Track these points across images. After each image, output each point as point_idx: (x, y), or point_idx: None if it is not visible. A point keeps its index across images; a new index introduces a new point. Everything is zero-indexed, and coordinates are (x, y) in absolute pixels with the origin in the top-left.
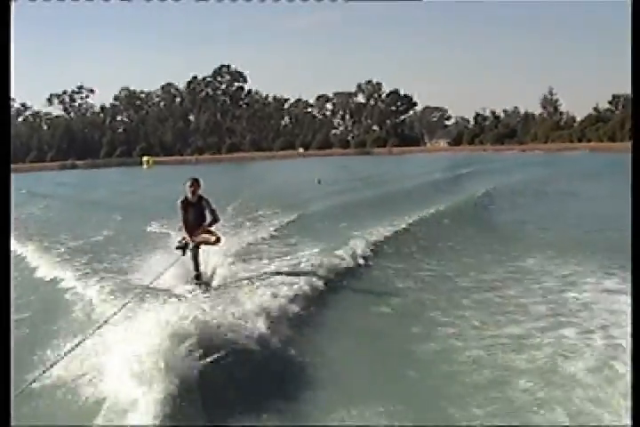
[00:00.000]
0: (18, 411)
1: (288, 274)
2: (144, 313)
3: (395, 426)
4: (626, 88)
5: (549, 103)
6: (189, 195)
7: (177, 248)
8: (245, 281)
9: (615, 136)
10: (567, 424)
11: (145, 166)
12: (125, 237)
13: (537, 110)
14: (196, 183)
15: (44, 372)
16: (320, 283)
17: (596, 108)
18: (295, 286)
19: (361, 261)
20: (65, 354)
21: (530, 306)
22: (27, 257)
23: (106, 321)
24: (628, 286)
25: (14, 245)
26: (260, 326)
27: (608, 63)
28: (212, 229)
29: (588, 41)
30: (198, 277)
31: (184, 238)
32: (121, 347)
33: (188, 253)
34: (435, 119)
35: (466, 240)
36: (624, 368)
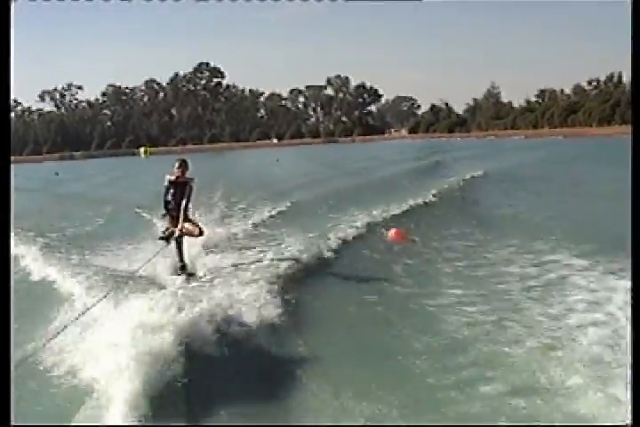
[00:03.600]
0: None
1: (272, 263)
2: (127, 303)
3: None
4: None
5: (492, 96)
6: (176, 175)
7: (160, 238)
8: (230, 271)
9: (537, 124)
10: (567, 424)
11: (142, 156)
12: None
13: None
14: (184, 164)
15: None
16: (304, 271)
17: (527, 101)
18: (280, 275)
19: (343, 250)
20: (45, 343)
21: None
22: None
23: (88, 309)
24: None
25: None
26: (246, 316)
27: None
28: (195, 219)
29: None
30: (183, 267)
31: (167, 229)
32: (103, 337)
33: (172, 243)
34: (405, 108)
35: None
36: None
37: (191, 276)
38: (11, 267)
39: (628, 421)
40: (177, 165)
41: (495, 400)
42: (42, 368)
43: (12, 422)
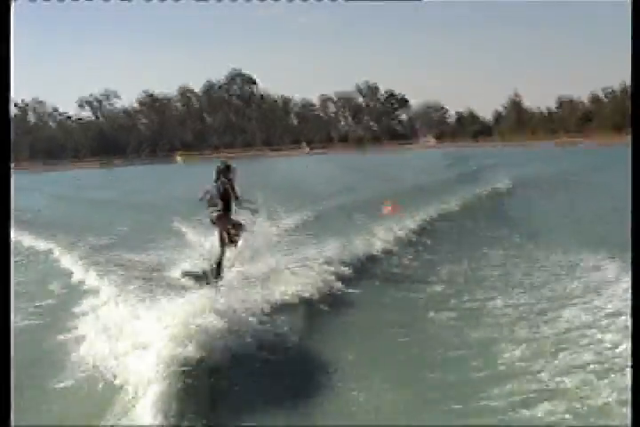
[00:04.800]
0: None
1: (306, 268)
2: (159, 306)
3: None
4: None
5: (514, 104)
6: (222, 179)
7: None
8: (264, 276)
9: (556, 132)
10: (567, 424)
11: (179, 162)
12: None
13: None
14: (229, 168)
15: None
16: (338, 277)
17: (547, 109)
18: (313, 280)
19: (377, 256)
20: None
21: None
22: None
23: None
24: None
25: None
26: (278, 321)
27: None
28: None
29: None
30: (219, 265)
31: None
32: (138, 339)
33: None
34: (435, 116)
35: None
36: None
37: (217, 277)
38: (10, 268)
39: (629, 421)
40: (222, 168)
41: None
42: (68, 369)
43: (12, 423)
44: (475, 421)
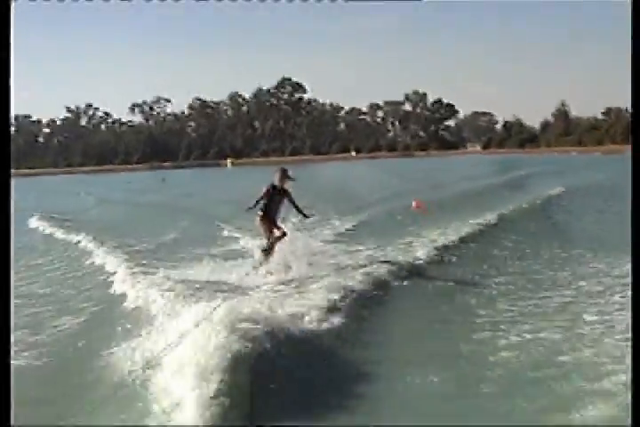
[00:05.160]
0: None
1: (353, 272)
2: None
3: None
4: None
5: (561, 113)
6: (277, 183)
7: (264, 251)
8: (311, 279)
9: (603, 141)
10: (568, 424)
11: (229, 167)
12: None
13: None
14: (284, 173)
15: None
16: (382, 282)
17: (593, 118)
18: (359, 285)
19: (425, 262)
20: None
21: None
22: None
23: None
24: None
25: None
26: (317, 324)
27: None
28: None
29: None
30: (267, 250)
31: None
32: (182, 342)
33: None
34: (483, 123)
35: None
36: None
37: (266, 253)
38: (10, 268)
39: (629, 421)
40: (280, 173)
41: None
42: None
43: (12, 423)
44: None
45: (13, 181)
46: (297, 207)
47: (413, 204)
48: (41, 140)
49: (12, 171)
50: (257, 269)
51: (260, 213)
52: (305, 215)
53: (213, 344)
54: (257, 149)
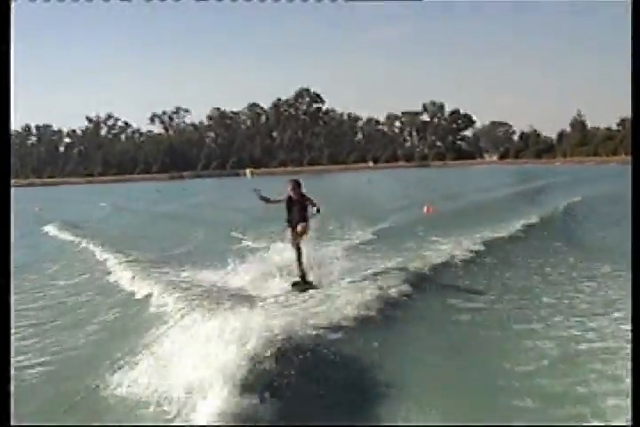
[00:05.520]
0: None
1: (373, 281)
2: (231, 318)
3: None
4: None
5: (577, 123)
6: (291, 194)
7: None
8: (332, 286)
9: (617, 151)
10: (568, 424)
11: (248, 177)
12: None
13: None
14: (295, 183)
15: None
16: (401, 292)
17: (608, 128)
18: (379, 294)
19: (444, 271)
20: None
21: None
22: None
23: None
24: None
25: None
26: (342, 332)
27: None
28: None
29: None
30: (303, 277)
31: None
32: (203, 351)
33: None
34: (500, 134)
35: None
36: None
37: (308, 284)
38: (10, 269)
39: (629, 421)
40: (290, 185)
41: None
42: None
43: (12, 423)
44: None
45: (34, 190)
46: (314, 205)
47: (425, 209)
48: (61, 149)
49: (35, 180)
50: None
51: (287, 224)
52: (317, 210)
53: (233, 357)
54: (275, 159)
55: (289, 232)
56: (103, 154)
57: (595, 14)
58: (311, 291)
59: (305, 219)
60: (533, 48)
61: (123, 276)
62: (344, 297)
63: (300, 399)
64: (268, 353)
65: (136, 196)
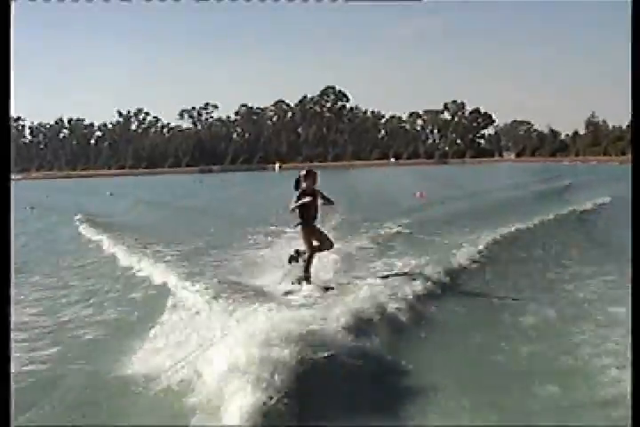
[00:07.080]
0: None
1: (392, 280)
2: (251, 317)
3: None
4: None
5: (591, 124)
6: (305, 185)
7: (290, 260)
8: (349, 287)
9: (626, 151)
10: (568, 424)
11: (277, 170)
12: None
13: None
14: (310, 174)
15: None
16: (422, 290)
17: (619, 127)
18: (399, 293)
19: (465, 269)
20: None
21: None
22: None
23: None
24: None
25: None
26: (366, 334)
27: None
28: (323, 230)
29: None
30: (307, 278)
31: (297, 251)
32: (224, 350)
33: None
34: (522, 132)
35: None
36: None
37: (306, 281)
38: (10, 270)
39: (629, 421)
40: (304, 173)
41: None
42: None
43: (12, 423)
44: None
45: (68, 182)
46: (325, 198)
47: (417, 194)
48: (93, 142)
49: (70, 172)
50: (298, 281)
51: (300, 221)
52: (330, 202)
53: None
54: (300, 155)
55: (302, 232)
56: (134, 148)
57: (611, 11)
58: (334, 290)
59: (315, 216)
60: (550, 46)
61: (154, 268)
62: (368, 295)
63: (323, 399)
64: (294, 352)
65: (182, 186)
